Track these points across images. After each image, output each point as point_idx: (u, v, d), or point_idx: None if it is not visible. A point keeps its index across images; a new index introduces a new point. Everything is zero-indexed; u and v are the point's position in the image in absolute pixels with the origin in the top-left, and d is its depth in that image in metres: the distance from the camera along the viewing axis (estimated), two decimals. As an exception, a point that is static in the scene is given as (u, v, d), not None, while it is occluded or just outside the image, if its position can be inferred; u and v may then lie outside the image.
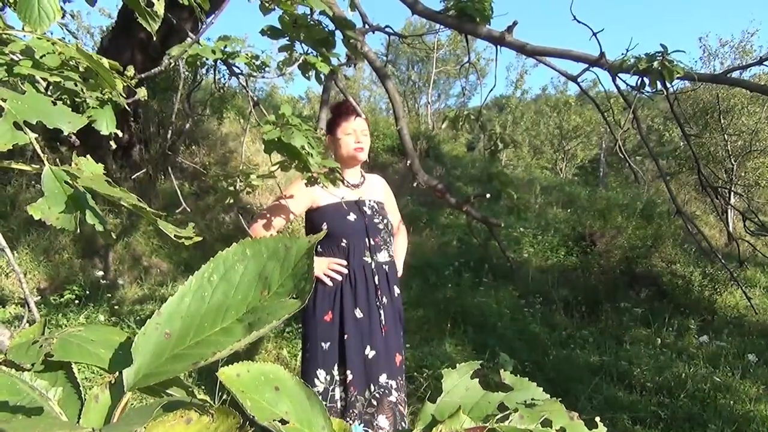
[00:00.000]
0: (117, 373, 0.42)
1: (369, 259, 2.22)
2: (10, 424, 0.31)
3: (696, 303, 6.17)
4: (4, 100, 0.50)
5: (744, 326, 5.72)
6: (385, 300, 2.21)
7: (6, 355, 0.42)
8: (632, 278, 6.65)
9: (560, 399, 0.46)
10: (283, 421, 0.39)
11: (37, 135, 0.52)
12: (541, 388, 0.48)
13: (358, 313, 2.16)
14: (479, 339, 4.70)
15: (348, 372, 2.10)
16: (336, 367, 2.13)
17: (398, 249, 2.54)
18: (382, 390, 2.10)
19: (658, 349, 4.79)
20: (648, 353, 4.59)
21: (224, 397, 2.96)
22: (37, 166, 0.54)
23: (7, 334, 0.45)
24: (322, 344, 2.14)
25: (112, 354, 0.45)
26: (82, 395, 0.42)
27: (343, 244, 2.20)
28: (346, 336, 2.13)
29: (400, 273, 2.46)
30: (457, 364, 0.52)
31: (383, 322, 2.18)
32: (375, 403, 2.09)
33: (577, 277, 6.73)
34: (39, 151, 0.54)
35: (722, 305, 6.31)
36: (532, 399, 0.46)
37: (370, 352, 2.14)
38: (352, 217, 2.22)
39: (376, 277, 2.21)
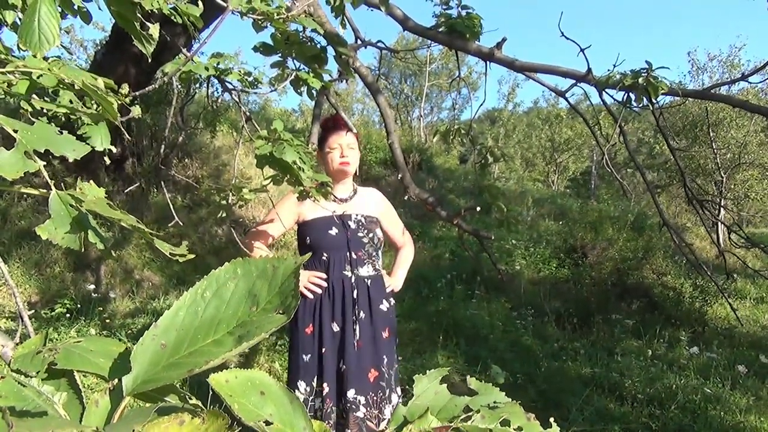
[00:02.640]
0: (116, 380, 0.46)
1: (349, 273, 2.23)
2: (26, 423, 0.34)
3: (687, 314, 6.23)
4: (16, 131, 0.54)
5: (734, 337, 5.77)
6: (362, 315, 2.21)
7: (10, 365, 0.45)
8: (623, 290, 6.70)
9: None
10: (268, 423, 0.43)
11: (44, 163, 0.56)
12: (504, 393, 0.52)
13: (335, 327, 2.20)
14: (471, 351, 4.73)
15: (324, 384, 2.15)
16: (315, 379, 2.18)
17: (401, 259, 2.58)
18: (349, 404, 2.12)
19: (649, 360, 4.82)
20: (639, 365, 4.62)
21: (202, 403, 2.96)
22: (44, 191, 0.58)
23: (11, 345, 0.48)
24: (303, 356, 2.19)
25: (111, 363, 0.48)
26: (84, 400, 0.46)
27: (324, 258, 2.24)
28: (323, 349, 2.17)
29: (400, 284, 2.49)
30: (427, 371, 0.56)
31: (357, 337, 2.19)
32: (344, 416, 2.13)
33: (568, 289, 6.77)
34: (47, 177, 0.58)
35: (713, 317, 6.36)
36: (495, 402, 0.51)
37: (342, 366, 2.17)
38: (333, 231, 2.25)
39: (355, 291, 2.22)
